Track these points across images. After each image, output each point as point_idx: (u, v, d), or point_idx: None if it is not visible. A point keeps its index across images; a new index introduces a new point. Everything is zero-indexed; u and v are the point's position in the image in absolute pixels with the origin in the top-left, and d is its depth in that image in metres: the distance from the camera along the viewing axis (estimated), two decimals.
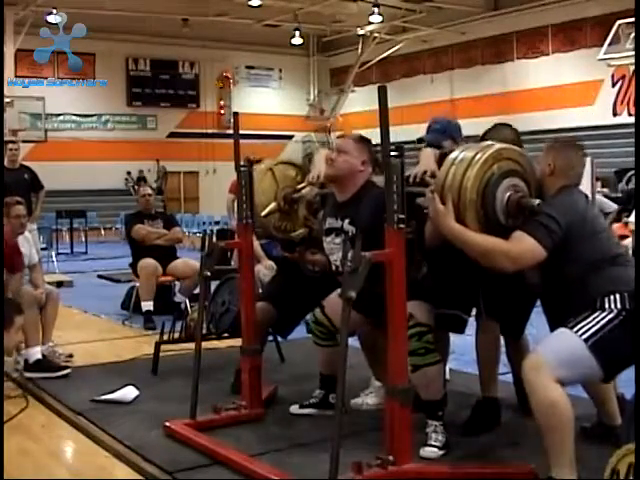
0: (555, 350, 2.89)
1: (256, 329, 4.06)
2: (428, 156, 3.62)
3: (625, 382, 3.36)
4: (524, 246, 2.97)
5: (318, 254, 4.06)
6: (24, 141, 15.85)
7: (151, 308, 6.69)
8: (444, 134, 3.88)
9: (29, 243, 5.46)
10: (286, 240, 4.42)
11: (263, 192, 4.14)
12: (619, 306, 2.90)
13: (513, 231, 3.03)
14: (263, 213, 4.12)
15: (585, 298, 2.96)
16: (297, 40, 22.09)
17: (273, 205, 4.16)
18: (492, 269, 3.10)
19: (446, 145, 3.81)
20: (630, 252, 7.64)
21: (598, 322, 2.89)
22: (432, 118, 4.03)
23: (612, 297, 2.92)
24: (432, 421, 3.44)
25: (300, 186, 4.17)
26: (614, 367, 2.92)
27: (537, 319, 3.69)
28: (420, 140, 3.91)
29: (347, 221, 3.63)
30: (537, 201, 3.06)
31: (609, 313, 2.90)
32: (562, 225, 2.97)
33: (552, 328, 3.07)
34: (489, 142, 3.30)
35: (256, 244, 5.23)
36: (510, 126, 3.93)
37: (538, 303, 3.57)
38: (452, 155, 3.19)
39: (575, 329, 2.89)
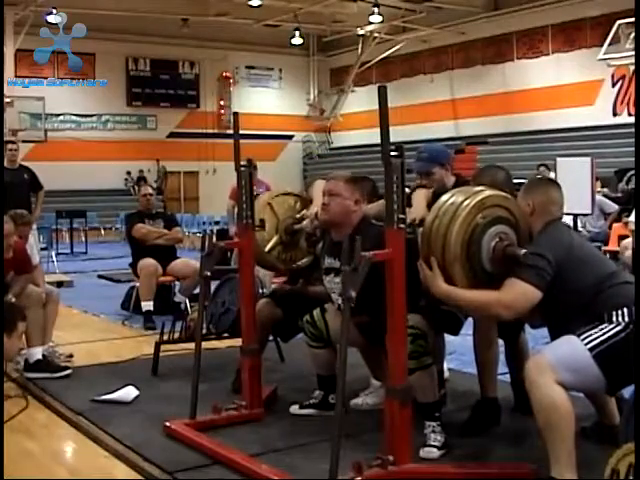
0: (560, 354, 2.90)
1: (258, 325, 4.06)
2: (419, 203, 3.67)
3: None
4: (517, 292, 3.00)
5: (319, 285, 4.06)
6: (24, 141, 15.91)
7: (151, 308, 6.68)
8: (432, 162, 3.93)
9: (29, 243, 5.46)
10: (292, 271, 4.45)
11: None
12: (627, 319, 2.91)
13: (503, 278, 3.05)
14: (267, 248, 4.17)
15: (590, 318, 2.96)
16: (297, 40, 22.15)
17: (276, 239, 4.21)
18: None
19: (435, 172, 3.89)
20: (629, 258, 7.64)
21: (605, 333, 2.90)
22: (420, 147, 4.09)
23: (620, 311, 2.93)
24: (429, 422, 3.43)
25: (300, 215, 4.21)
26: (618, 379, 2.92)
27: None
28: (409, 170, 3.95)
29: None
30: (523, 250, 3.09)
31: (616, 326, 2.91)
32: (551, 261, 2.99)
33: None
34: (477, 188, 3.33)
35: None
36: (501, 167, 3.98)
37: None
38: (440, 201, 3.24)
39: (582, 337, 2.90)
